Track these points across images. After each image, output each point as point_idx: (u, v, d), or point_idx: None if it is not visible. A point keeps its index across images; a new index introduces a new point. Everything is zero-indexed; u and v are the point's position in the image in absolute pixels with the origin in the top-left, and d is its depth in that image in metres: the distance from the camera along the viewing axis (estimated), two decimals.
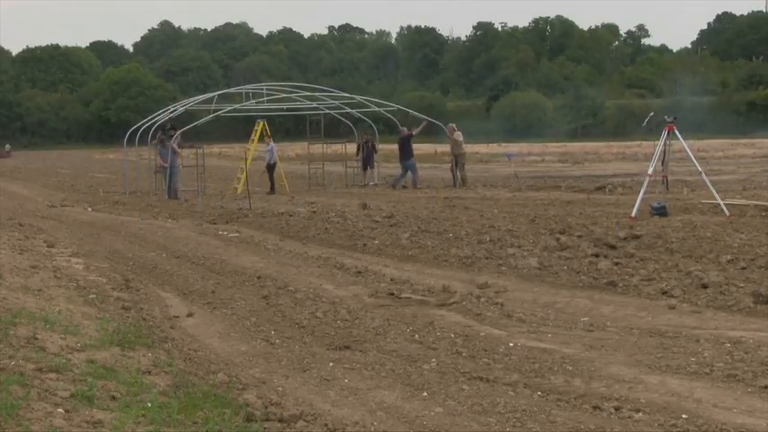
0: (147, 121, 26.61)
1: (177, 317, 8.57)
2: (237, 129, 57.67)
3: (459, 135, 25.04)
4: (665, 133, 14.97)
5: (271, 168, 25.02)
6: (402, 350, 7.09)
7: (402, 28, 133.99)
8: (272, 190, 24.31)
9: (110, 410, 4.80)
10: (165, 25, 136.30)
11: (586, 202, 18.01)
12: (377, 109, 30.02)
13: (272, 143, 25.49)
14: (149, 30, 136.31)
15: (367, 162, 26.96)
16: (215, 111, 27.84)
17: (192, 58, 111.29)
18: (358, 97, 30.28)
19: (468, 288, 9.48)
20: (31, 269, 10.23)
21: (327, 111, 29.62)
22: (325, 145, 28.23)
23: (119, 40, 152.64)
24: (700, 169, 15.70)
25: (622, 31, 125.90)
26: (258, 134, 26.37)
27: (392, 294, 9.27)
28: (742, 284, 8.77)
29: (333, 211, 17.18)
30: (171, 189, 23.11)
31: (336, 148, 30.05)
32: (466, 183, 24.34)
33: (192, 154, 25.86)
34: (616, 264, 10.18)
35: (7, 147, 68.10)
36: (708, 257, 10.23)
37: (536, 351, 6.89)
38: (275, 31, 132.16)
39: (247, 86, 28.53)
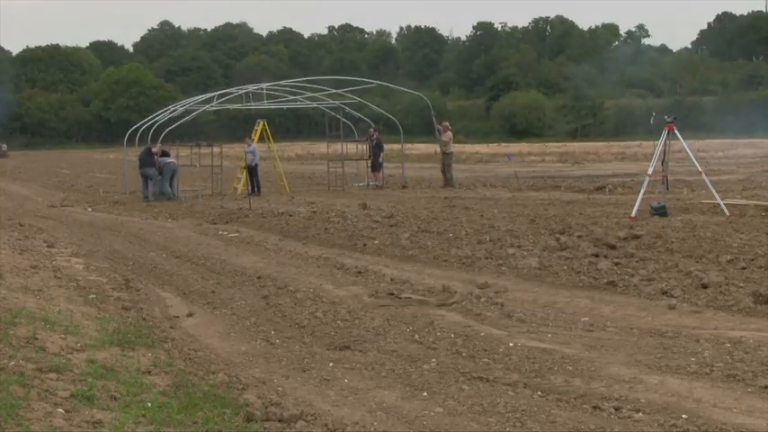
0: (147, 121, 26.59)
1: (177, 317, 8.57)
2: (238, 129, 57.73)
3: (449, 134, 25.22)
4: (664, 133, 14.98)
5: (252, 170, 24.57)
6: (402, 350, 7.09)
7: (402, 28, 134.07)
8: (256, 191, 23.97)
9: (110, 410, 4.80)
10: (165, 25, 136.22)
11: (586, 202, 18.02)
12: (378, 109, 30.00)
13: (253, 144, 25.05)
14: (149, 30, 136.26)
15: (376, 161, 25.54)
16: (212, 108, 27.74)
17: (192, 58, 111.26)
18: (386, 80, 29.80)
19: (468, 288, 9.48)
20: (31, 269, 10.23)
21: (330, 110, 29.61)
22: (343, 144, 28.18)
23: (119, 40, 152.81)
24: (700, 169, 15.71)
25: (622, 31, 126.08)
26: (258, 134, 26.35)
27: (392, 294, 9.27)
28: (742, 284, 8.77)
29: (333, 211, 17.18)
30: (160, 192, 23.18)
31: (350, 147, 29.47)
32: (451, 183, 24.42)
33: (195, 154, 25.92)
34: (616, 264, 10.18)
35: (3, 146, 68.10)
36: (708, 257, 10.23)
37: (536, 351, 6.89)
38: (275, 31, 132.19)
39: (248, 86, 28.50)
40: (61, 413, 4.58)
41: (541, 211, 15.88)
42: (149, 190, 23.08)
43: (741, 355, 6.55)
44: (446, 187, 24.04)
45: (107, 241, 14.56)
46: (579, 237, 11.91)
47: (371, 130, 26.72)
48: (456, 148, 27.32)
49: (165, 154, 23.80)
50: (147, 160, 23.25)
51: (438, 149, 25.54)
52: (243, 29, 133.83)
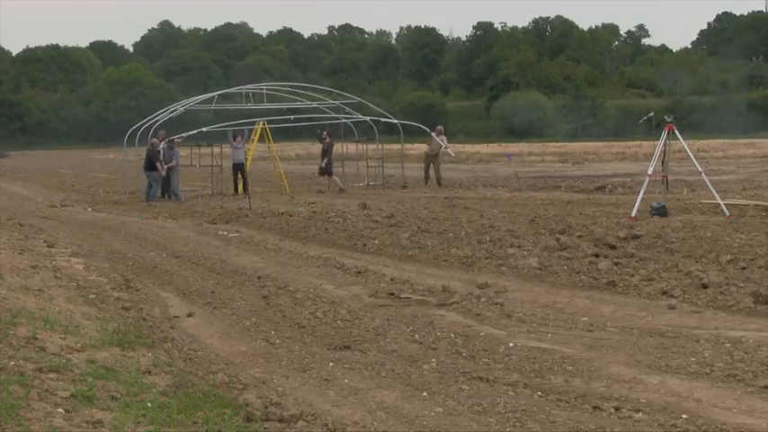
0: (147, 121, 26.57)
1: (177, 317, 8.56)
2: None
3: (444, 138, 25.61)
4: (664, 133, 14.98)
5: (242, 168, 24.20)
6: (402, 350, 7.09)
7: (402, 28, 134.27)
8: (237, 191, 23.89)
9: (110, 410, 4.81)
10: (165, 25, 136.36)
11: (586, 202, 18.01)
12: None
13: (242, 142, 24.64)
14: (149, 30, 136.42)
15: (329, 165, 24.61)
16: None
17: (191, 58, 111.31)
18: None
19: (468, 288, 9.48)
20: (31, 269, 10.23)
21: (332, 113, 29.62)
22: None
23: (119, 40, 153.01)
24: (700, 169, 15.71)
25: (622, 31, 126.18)
26: (258, 134, 26.34)
27: (392, 294, 9.27)
28: (742, 284, 8.77)
29: (333, 211, 17.17)
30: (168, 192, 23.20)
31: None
32: (440, 183, 24.86)
33: (195, 154, 25.94)
34: (616, 264, 10.17)
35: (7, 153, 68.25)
36: (708, 257, 10.22)
37: (536, 351, 6.89)
38: (275, 31, 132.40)
39: (247, 86, 28.49)
40: (61, 413, 4.58)
41: (541, 211, 15.88)
42: (152, 192, 22.96)
43: (741, 355, 6.55)
44: (439, 186, 24.41)
45: (107, 241, 14.56)
46: (579, 237, 11.91)
47: (325, 132, 25.31)
48: (456, 148, 27.48)
49: (170, 143, 23.50)
50: (149, 162, 23.13)
51: (440, 150, 25.83)
52: (243, 29, 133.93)
